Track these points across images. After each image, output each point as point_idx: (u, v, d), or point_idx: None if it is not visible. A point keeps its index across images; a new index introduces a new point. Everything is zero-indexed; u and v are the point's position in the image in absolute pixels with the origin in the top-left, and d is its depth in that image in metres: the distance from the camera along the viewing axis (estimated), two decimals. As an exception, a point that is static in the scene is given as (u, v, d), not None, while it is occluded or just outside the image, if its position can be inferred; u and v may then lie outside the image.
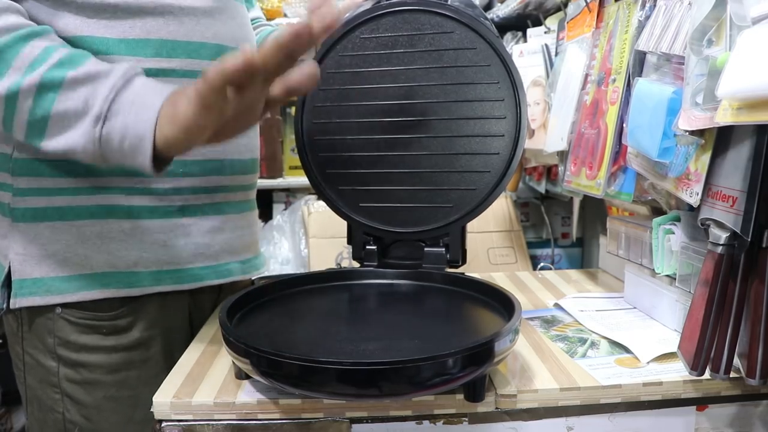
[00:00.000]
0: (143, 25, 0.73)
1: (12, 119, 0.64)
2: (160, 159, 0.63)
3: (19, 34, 0.64)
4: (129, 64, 0.65)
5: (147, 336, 0.79)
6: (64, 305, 0.75)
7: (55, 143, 0.64)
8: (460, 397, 0.60)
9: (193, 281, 0.80)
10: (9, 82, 0.62)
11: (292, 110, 1.83)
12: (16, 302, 0.75)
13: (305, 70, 0.55)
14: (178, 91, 0.62)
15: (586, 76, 0.94)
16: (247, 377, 0.63)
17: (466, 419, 0.61)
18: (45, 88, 0.62)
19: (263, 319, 0.69)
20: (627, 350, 0.70)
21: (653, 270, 0.79)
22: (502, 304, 0.68)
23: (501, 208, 1.58)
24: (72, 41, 0.71)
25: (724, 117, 0.54)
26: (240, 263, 0.86)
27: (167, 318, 0.81)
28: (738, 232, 0.59)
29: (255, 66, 0.52)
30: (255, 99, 0.57)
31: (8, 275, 0.75)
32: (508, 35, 1.40)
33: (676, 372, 0.64)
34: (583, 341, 0.74)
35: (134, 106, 0.62)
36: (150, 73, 0.73)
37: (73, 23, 0.71)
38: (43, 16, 0.70)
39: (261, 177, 0.93)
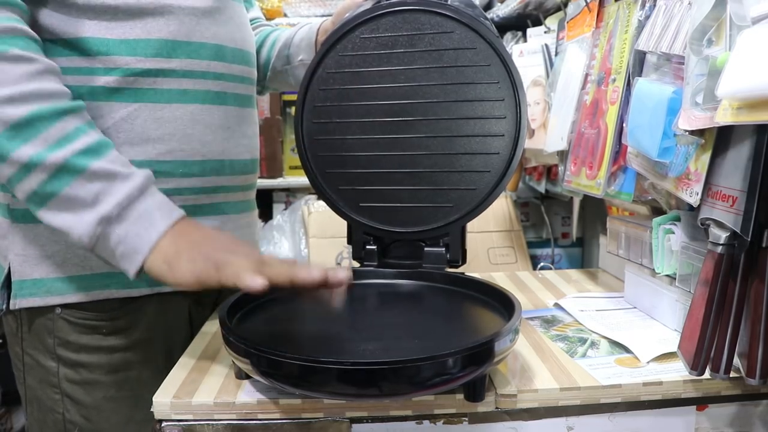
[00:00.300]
0: (143, 26, 0.73)
1: (18, 182, 0.64)
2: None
3: (57, 108, 0.64)
4: (146, 173, 0.67)
5: (147, 336, 0.79)
6: (63, 306, 0.75)
7: (50, 217, 0.65)
8: (460, 396, 0.60)
9: (193, 282, 0.80)
10: (33, 152, 0.62)
11: (292, 110, 1.83)
12: (16, 303, 0.75)
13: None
14: (186, 236, 0.65)
15: (586, 75, 0.94)
16: (247, 377, 0.63)
17: (466, 419, 0.61)
18: (66, 170, 0.63)
19: (263, 319, 0.69)
20: (627, 350, 0.70)
21: (653, 270, 0.79)
22: (502, 303, 0.67)
23: (501, 207, 1.58)
24: (73, 43, 0.71)
25: (724, 117, 0.54)
26: (240, 263, 0.86)
27: (167, 318, 0.81)
28: (738, 231, 0.59)
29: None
30: None
31: (8, 276, 0.75)
32: (508, 35, 1.40)
33: (676, 372, 0.64)
34: (583, 341, 0.74)
35: (141, 220, 0.64)
36: (150, 73, 0.73)
37: (74, 25, 0.71)
38: (43, 19, 0.70)
39: (261, 177, 0.94)
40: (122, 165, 0.66)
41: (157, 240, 0.64)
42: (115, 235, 0.64)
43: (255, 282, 0.57)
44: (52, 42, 0.71)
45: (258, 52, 0.99)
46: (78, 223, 0.64)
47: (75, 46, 0.71)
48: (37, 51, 0.65)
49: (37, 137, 0.62)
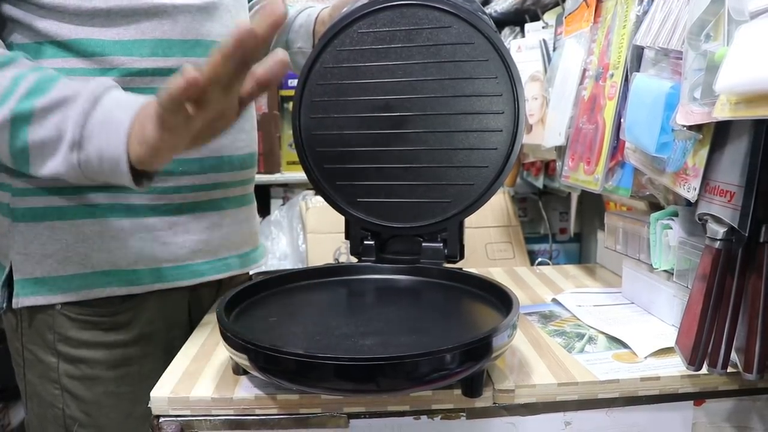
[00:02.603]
0: (138, 26, 0.72)
1: None
2: (146, 172, 0.63)
3: None
4: (97, 81, 0.65)
5: (147, 332, 0.80)
6: (64, 302, 0.75)
7: (42, 170, 0.65)
8: (458, 392, 0.60)
9: (193, 277, 0.80)
10: None
11: (290, 105, 1.83)
12: (18, 302, 0.75)
13: (273, 59, 0.54)
14: (147, 105, 0.61)
15: (584, 71, 0.93)
16: (245, 372, 0.63)
17: (464, 414, 0.61)
18: (17, 120, 0.63)
19: (261, 315, 0.69)
20: (625, 345, 0.70)
21: (651, 265, 0.79)
22: (500, 299, 0.67)
23: (499, 203, 1.58)
24: (68, 45, 0.71)
25: (722, 112, 0.54)
26: (239, 257, 0.86)
27: (167, 314, 0.81)
28: (736, 227, 0.59)
29: (200, 83, 0.52)
30: (222, 106, 0.57)
31: (9, 275, 0.75)
32: (506, 30, 1.40)
33: (674, 367, 0.64)
34: (581, 336, 0.74)
35: (104, 127, 0.62)
36: (147, 72, 0.73)
37: (68, 27, 0.71)
38: (37, 23, 0.70)
39: (258, 173, 0.93)
40: (71, 89, 0.64)
41: (126, 135, 0.60)
42: (94, 156, 0.62)
43: (180, 81, 0.52)
44: (48, 44, 0.71)
45: None
46: (60, 163, 0.63)
47: (71, 48, 0.71)
48: None
49: None
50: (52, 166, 0.64)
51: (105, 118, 0.62)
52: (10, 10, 0.70)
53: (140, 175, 0.63)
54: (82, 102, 0.63)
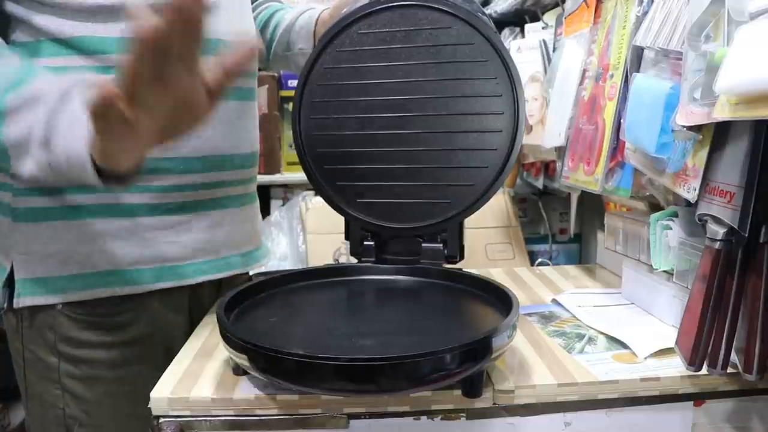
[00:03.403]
0: None
1: None
2: (115, 173, 0.59)
3: None
4: (72, 78, 0.62)
5: (147, 332, 0.80)
6: (65, 302, 0.75)
7: (21, 170, 0.62)
8: (458, 392, 0.60)
9: (195, 276, 0.80)
10: None
11: (290, 106, 1.83)
12: (19, 302, 0.75)
13: (242, 46, 0.52)
14: None
15: (584, 71, 0.93)
16: (245, 373, 0.63)
17: (464, 415, 0.61)
18: None
19: (261, 315, 0.69)
20: (625, 346, 0.70)
21: (651, 266, 0.79)
22: (500, 299, 0.67)
23: (498, 203, 1.58)
24: (70, 42, 0.71)
25: (722, 112, 0.54)
26: (240, 256, 0.86)
27: (168, 314, 0.81)
28: (735, 227, 0.59)
29: (116, 96, 0.50)
30: (183, 90, 0.53)
31: (10, 275, 0.75)
32: (506, 31, 1.40)
33: (674, 367, 0.64)
34: (580, 337, 0.74)
35: (70, 125, 0.59)
36: None
37: (69, 24, 0.71)
38: (37, 20, 0.70)
39: (258, 173, 0.93)
40: (45, 85, 0.61)
41: (88, 130, 0.57)
42: (60, 155, 0.58)
43: (96, 95, 0.50)
44: (49, 41, 0.71)
45: (261, 31, 0.98)
46: (32, 163, 0.61)
47: (72, 46, 0.71)
48: None
49: None
50: (28, 166, 0.61)
51: (71, 115, 0.59)
52: (10, 6, 0.70)
53: (115, 176, 0.59)
54: (51, 100, 0.60)
